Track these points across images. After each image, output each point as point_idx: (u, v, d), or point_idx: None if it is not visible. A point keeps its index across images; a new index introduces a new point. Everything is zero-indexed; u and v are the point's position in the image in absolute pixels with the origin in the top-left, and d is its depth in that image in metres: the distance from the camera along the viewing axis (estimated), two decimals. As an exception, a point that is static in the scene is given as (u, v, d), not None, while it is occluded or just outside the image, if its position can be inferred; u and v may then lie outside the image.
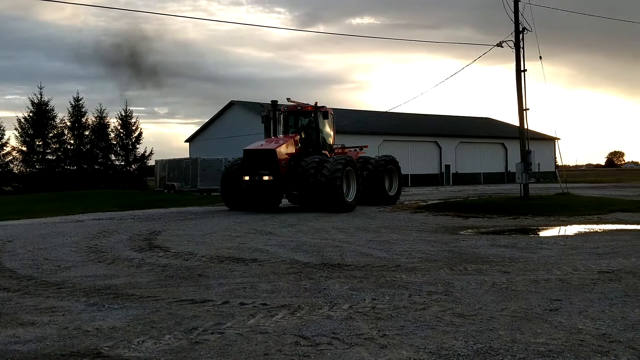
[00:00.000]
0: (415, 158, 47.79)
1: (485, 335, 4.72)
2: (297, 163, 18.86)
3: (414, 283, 6.97)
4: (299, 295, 6.35)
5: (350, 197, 19.15)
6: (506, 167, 53.90)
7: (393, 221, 15.47)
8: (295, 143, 19.66)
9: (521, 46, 20.90)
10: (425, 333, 4.82)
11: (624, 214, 16.22)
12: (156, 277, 7.74)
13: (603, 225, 13.89)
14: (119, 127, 48.23)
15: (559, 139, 48.18)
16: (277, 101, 21.30)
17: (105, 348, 4.58)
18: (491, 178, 52.75)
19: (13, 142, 45.95)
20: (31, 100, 44.76)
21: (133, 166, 48.37)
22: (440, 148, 49.99)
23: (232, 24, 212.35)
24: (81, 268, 8.55)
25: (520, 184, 20.89)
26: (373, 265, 8.34)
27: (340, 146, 21.97)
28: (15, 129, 44.15)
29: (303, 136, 20.13)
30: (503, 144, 54.76)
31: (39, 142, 44.48)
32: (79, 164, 45.82)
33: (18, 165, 44.47)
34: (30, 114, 44.26)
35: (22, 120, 44.01)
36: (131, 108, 61.56)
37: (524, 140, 20.98)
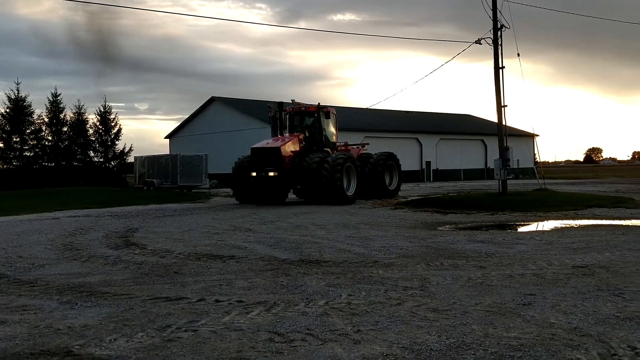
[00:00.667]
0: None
1: (458, 330, 4.75)
2: (301, 160, 20.35)
3: (391, 278, 6.99)
4: (276, 292, 6.33)
5: (351, 191, 20.77)
6: (486, 163, 54.38)
7: (373, 217, 15.52)
8: (300, 141, 21.22)
9: (499, 43, 21.08)
10: (399, 328, 4.83)
11: (600, 210, 16.46)
12: (131, 274, 7.66)
13: (579, 220, 14.07)
14: (97, 124, 47.58)
15: (537, 135, 48.66)
16: (282, 103, 22.77)
17: (76, 346, 4.51)
18: (471, 174, 53.20)
19: (-11, 139, 45.11)
20: (8, 96, 43.92)
21: (112, 163, 47.77)
22: (421, 145, 50.25)
23: (213, 19, 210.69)
24: (55, 266, 8.43)
25: (498, 180, 21.09)
26: (351, 261, 8.35)
27: (343, 144, 23.27)
28: (-8, 125, 43.35)
29: (307, 135, 21.68)
30: (483, 141, 55.22)
31: (16, 138, 43.72)
32: (57, 160, 45.14)
33: (-5, 162, 43.69)
34: (7, 110, 43.47)
35: (-1, 116, 43.24)
36: (110, 104, 61.06)
37: (502, 136, 21.19)
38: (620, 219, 14.15)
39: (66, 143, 45.86)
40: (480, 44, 21.51)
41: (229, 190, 35.31)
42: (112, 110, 49.34)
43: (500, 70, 21.19)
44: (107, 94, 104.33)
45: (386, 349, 4.30)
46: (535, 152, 40.96)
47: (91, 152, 47.18)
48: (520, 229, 13.12)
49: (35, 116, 44.71)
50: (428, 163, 50.72)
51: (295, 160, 20.47)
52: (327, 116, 21.92)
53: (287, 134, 21.99)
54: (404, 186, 26.50)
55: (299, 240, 10.72)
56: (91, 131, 47.33)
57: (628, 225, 12.77)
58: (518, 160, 52.03)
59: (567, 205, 17.28)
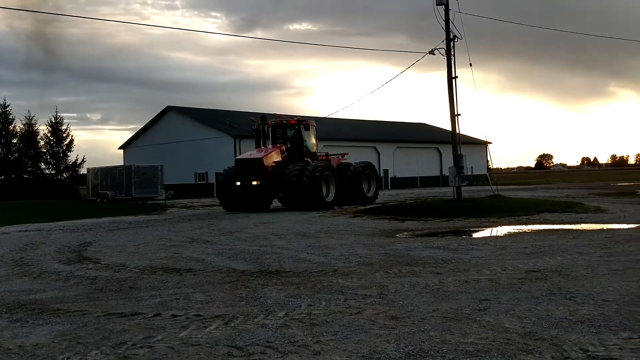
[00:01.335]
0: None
1: (416, 337, 4.80)
2: (283, 169, 21.99)
3: (350, 287, 7.02)
4: (234, 305, 6.26)
5: (330, 198, 22.56)
6: (441, 170, 55.41)
7: (332, 226, 15.57)
8: (282, 152, 22.99)
9: (452, 54, 21.57)
10: (359, 337, 4.85)
11: (551, 215, 16.97)
12: (85, 290, 7.44)
13: (531, 225, 14.48)
14: (48, 135, 46.28)
15: (490, 143, 50.09)
16: (265, 116, 24.68)
17: (26, 368, 4.34)
18: (427, 181, 54.10)
19: None
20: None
21: (64, 175, 46.48)
22: (378, 153, 50.84)
23: (167, 28, 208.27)
24: (5, 283, 8.12)
25: (453, 187, 21.50)
26: (311, 270, 8.34)
27: (324, 154, 25.16)
28: None
29: (289, 146, 23.45)
30: (438, 149, 56.29)
31: (-38, 151, 42.05)
32: (7, 173, 43.61)
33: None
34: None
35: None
36: (61, 114, 59.10)
37: (457, 144, 21.63)
38: (570, 223, 14.63)
39: (16, 155, 44.40)
40: (434, 54, 21.98)
41: (185, 201, 34.84)
42: (64, 120, 48.00)
43: (453, 79, 21.67)
44: (58, 104, 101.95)
45: (346, 359, 4.31)
46: (488, 159, 42.05)
47: (42, 164, 45.84)
48: (475, 235, 13.40)
49: (-18, 128, 43.13)
50: (386, 171, 51.33)
51: (277, 169, 22.07)
52: (307, 128, 23.78)
53: (270, 146, 23.52)
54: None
55: (259, 251, 10.65)
56: (42, 142, 46.05)
57: (578, 230, 13.20)
58: (472, 167, 53.25)
59: (520, 210, 17.75)
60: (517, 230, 13.49)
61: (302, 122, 23.90)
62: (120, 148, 53.38)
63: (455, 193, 21.35)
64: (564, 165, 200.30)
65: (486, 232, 13.78)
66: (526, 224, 14.90)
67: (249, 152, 23.71)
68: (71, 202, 34.98)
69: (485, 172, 52.23)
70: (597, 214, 17.02)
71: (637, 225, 13.86)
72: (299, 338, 4.87)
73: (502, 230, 13.74)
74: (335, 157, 25.24)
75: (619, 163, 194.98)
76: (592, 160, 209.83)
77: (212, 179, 44.13)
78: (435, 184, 54.31)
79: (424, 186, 52.30)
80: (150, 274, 8.48)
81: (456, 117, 21.75)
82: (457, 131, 21.93)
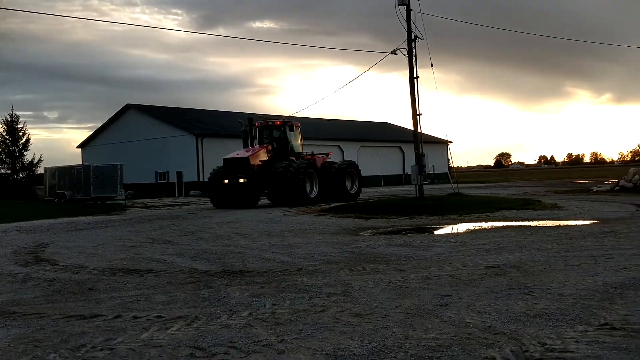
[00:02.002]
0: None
1: (380, 334, 4.84)
2: (269, 167, 23.58)
3: (315, 285, 7.03)
4: (197, 306, 6.19)
5: (313, 194, 24.20)
6: (404, 169, 56.03)
7: (297, 225, 15.56)
8: (268, 151, 24.54)
9: (414, 54, 21.79)
10: (323, 335, 4.86)
11: (510, 212, 17.36)
12: (42, 292, 7.24)
13: (490, 222, 14.78)
14: (4, 133, 44.71)
15: (451, 142, 50.87)
16: (252, 118, 26.26)
17: (-20, 374, 4.20)
18: (390, 180, 54.60)
19: None
20: None
21: (20, 174, 44.99)
22: (343, 152, 51.01)
23: (127, 25, 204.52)
24: (-45, 287, 7.82)
25: (415, 185, 21.77)
26: (275, 270, 8.31)
27: (309, 153, 26.52)
28: None
29: (275, 146, 25.00)
30: (400, 148, 56.89)
31: None
32: (-41, 173, 42.00)
33: None
34: None
35: None
36: (17, 112, 57.46)
37: (418, 143, 21.89)
38: (528, 220, 15.00)
39: (-32, 154, 42.79)
40: (396, 54, 22.17)
41: (146, 201, 34.25)
42: (20, 119, 46.30)
43: (415, 79, 21.91)
44: (14, 102, 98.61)
45: (310, 357, 4.31)
46: (449, 158, 42.72)
47: (-3, 163, 44.24)
48: (437, 232, 13.60)
49: None
50: (349, 169, 51.51)
51: (263, 168, 23.67)
52: (292, 129, 25.53)
53: (257, 146, 25.14)
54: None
55: (222, 251, 10.56)
56: (-4, 141, 44.41)
57: (535, 226, 13.55)
58: (433, 166, 54.03)
59: (479, 208, 18.10)
60: (477, 227, 13.75)
61: (287, 124, 25.52)
62: (78, 147, 52.12)
63: (417, 191, 21.62)
64: (522, 164, 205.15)
65: (447, 229, 14.00)
66: (486, 221, 15.20)
67: (237, 151, 24.86)
68: (28, 202, 33.95)
69: (446, 170, 53.07)
70: (554, 211, 17.50)
71: (592, 221, 14.31)
72: (263, 337, 4.85)
73: (462, 227, 13.99)
74: (319, 156, 26.51)
75: (574, 161, 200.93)
76: (549, 158, 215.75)
77: (173, 178, 43.52)
78: (398, 182, 54.88)
79: (388, 184, 52.78)
80: (110, 275, 8.31)
81: (418, 116, 22.01)
82: (419, 130, 22.19)
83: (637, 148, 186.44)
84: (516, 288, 6.52)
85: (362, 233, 13.28)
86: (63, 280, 8.06)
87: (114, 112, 48.78)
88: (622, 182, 29.12)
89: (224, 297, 6.56)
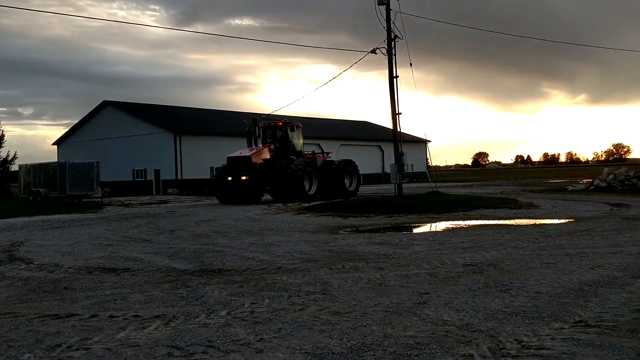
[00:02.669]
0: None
1: (359, 332, 4.85)
2: (270, 165, 24.91)
3: (294, 284, 7.02)
4: (175, 305, 6.13)
5: (312, 191, 25.41)
6: (383, 167, 56.28)
7: (276, 223, 15.52)
8: (270, 150, 25.93)
9: (393, 53, 21.88)
10: (302, 334, 4.86)
11: (487, 210, 17.55)
12: (16, 291, 7.11)
13: (468, 221, 14.92)
14: (-24, 130, 43.75)
15: (429, 141, 51.14)
16: (256, 119, 27.76)
17: (-49, 375, 4.11)
18: (370, 179, 54.77)
19: None
20: None
21: (-7, 172, 44.12)
22: (322, 150, 51.02)
23: (104, 20, 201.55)
24: None
25: (394, 184, 21.87)
26: (254, 268, 8.28)
27: (310, 152, 28.26)
28: None
29: (277, 145, 26.47)
30: (380, 146, 57.14)
31: None
32: None
33: None
34: None
35: None
36: (-10, 108, 56.25)
37: (398, 142, 22.00)
38: (505, 219, 15.17)
39: (-61, 151, 41.77)
40: (376, 53, 22.23)
41: (123, 199, 33.85)
42: (-7, 115, 45.44)
43: (395, 79, 22.01)
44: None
45: (289, 356, 4.30)
46: (428, 157, 42.98)
47: (-31, 160, 43.29)
48: (415, 231, 13.69)
49: None
50: (329, 168, 51.56)
51: (265, 166, 24.95)
52: (293, 129, 27.03)
53: (260, 145, 26.42)
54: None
55: (200, 250, 10.48)
56: (-32, 138, 43.43)
57: (512, 225, 13.71)
58: (412, 165, 54.35)
59: (457, 206, 18.26)
60: (455, 226, 13.87)
61: (288, 124, 27.05)
62: (54, 144, 51.34)
63: (396, 190, 21.72)
64: (499, 163, 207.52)
65: (426, 228, 14.10)
66: (463, 219, 15.34)
67: (240, 150, 26.22)
68: (2, 200, 33.29)
69: (425, 169, 53.41)
70: (530, 210, 17.74)
71: (567, 220, 14.53)
72: (242, 337, 4.83)
73: (440, 226, 14.10)
74: (320, 155, 28.12)
75: (550, 161, 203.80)
76: (525, 158, 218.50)
77: (150, 176, 43.08)
78: (378, 181, 55.10)
79: (367, 183, 52.91)
80: (86, 274, 8.19)
81: (397, 115, 22.11)
82: (398, 129, 22.30)
83: (611, 148, 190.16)
84: (493, 286, 6.59)
85: (341, 231, 13.30)
86: (38, 279, 7.93)
87: (90, 108, 48.21)
88: (596, 182, 29.64)
89: (202, 296, 6.52)
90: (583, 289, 6.33)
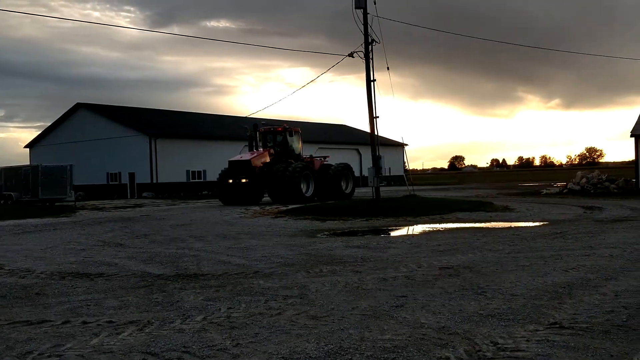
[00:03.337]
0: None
1: (336, 336, 4.83)
2: (270, 169, 26.24)
3: (271, 288, 6.97)
4: (150, 310, 6.04)
5: (309, 193, 26.48)
6: (361, 171, 56.41)
7: (254, 227, 15.43)
8: (270, 154, 27.29)
9: (371, 57, 21.96)
10: (280, 338, 4.82)
11: (463, 213, 17.71)
12: (-15, 298, 6.92)
13: (445, 224, 15.04)
14: (-56, 132, 42.80)
15: (406, 145, 51.55)
16: (257, 124, 28.77)
17: None
18: (347, 182, 54.78)
19: None
20: None
21: (-38, 175, 43.11)
22: (298, 153, 50.96)
23: (77, 21, 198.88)
24: None
25: (372, 187, 21.93)
26: (231, 273, 8.21)
27: (309, 156, 29.60)
28: None
29: (277, 149, 27.87)
30: (358, 150, 57.31)
31: None
32: None
33: None
34: None
35: None
36: (-41, 110, 55.06)
37: (375, 146, 22.06)
38: (480, 222, 15.33)
39: None
40: (353, 57, 22.26)
41: (97, 202, 33.35)
42: (-38, 117, 44.48)
43: (372, 82, 22.07)
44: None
45: (266, 361, 4.26)
46: (405, 160, 43.25)
47: (-64, 163, 42.27)
48: (393, 234, 13.74)
49: None
50: (306, 171, 51.53)
51: (264, 169, 26.22)
52: (292, 134, 28.30)
53: (261, 149, 27.76)
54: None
55: (176, 254, 10.36)
56: (-64, 140, 42.44)
57: (488, 228, 13.86)
58: (390, 168, 54.64)
59: (434, 210, 18.40)
60: (431, 229, 13.96)
61: (287, 129, 28.47)
62: (26, 147, 50.33)
63: (374, 193, 21.79)
64: (475, 167, 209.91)
65: (403, 231, 14.16)
66: (440, 222, 15.46)
67: (241, 154, 27.45)
68: (-30, 204, 32.52)
69: (402, 173, 53.81)
70: (505, 213, 17.96)
71: (542, 223, 14.74)
72: (218, 342, 4.77)
73: (417, 229, 14.18)
74: (317, 159, 29.36)
75: (525, 164, 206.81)
76: (500, 161, 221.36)
77: (125, 180, 42.54)
78: (355, 184, 55.18)
79: (344, 187, 53.02)
80: (58, 280, 8.03)
81: (375, 119, 22.18)
82: (376, 133, 22.38)
83: (585, 152, 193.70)
84: (469, 288, 6.64)
85: (319, 235, 13.29)
86: (9, 284, 7.74)
87: (64, 111, 47.36)
88: (570, 185, 30.16)
89: (178, 301, 6.43)
90: (557, 291, 6.41)
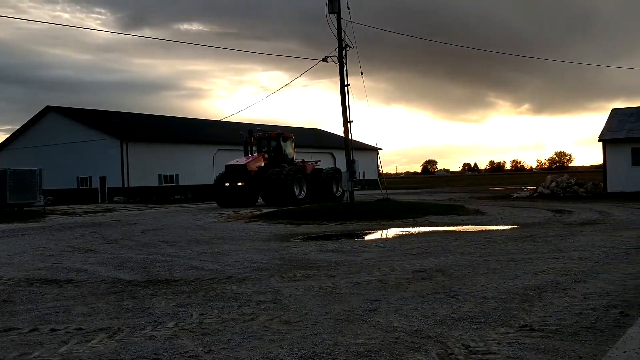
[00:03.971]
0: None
1: (309, 341, 4.82)
2: (264, 173, 27.29)
3: (244, 294, 6.92)
4: (120, 317, 5.94)
5: (301, 196, 27.50)
6: (335, 175, 56.43)
7: (227, 232, 15.32)
8: (264, 159, 28.62)
9: (344, 62, 22.05)
10: (252, 344, 4.79)
11: (436, 217, 17.87)
12: (-52, 307, 6.72)
13: (418, 227, 15.15)
14: None
15: (380, 149, 51.82)
16: (252, 130, 30.41)
17: None
18: (321, 186, 54.80)
19: None
20: None
21: None
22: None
23: (47, 23, 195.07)
24: None
25: (346, 191, 21.99)
26: (203, 278, 8.13)
27: (301, 160, 30.65)
28: None
29: (272, 154, 29.10)
30: (332, 154, 57.42)
31: None
32: None
33: None
34: None
35: None
36: None
37: (349, 150, 22.15)
38: (453, 225, 15.48)
39: None
40: (327, 61, 22.35)
41: (67, 207, 32.73)
42: None
43: (346, 87, 22.18)
44: None
45: (238, 367, 4.22)
46: (379, 164, 43.47)
47: None
48: (367, 238, 13.78)
49: None
50: (280, 176, 51.38)
51: (259, 173, 27.35)
52: (285, 140, 29.93)
53: (255, 154, 29.20)
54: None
55: (147, 260, 10.22)
56: None
57: (460, 231, 14.00)
58: (364, 172, 54.87)
59: (407, 213, 18.53)
60: (405, 232, 14.05)
61: (281, 135, 30.04)
62: (-7, 150, 49.15)
63: (348, 197, 21.83)
64: (447, 171, 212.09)
65: (377, 235, 14.22)
66: (413, 226, 15.57)
67: (237, 159, 28.80)
68: None
69: (376, 177, 54.04)
70: (477, 216, 18.18)
71: (512, 226, 14.95)
72: (190, 348, 4.72)
73: (391, 233, 14.25)
74: (310, 163, 30.35)
75: (496, 168, 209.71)
76: (472, 166, 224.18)
77: (96, 184, 41.85)
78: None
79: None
80: (26, 286, 7.84)
81: (349, 123, 22.27)
82: (350, 137, 22.46)
83: (554, 156, 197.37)
84: (442, 292, 6.69)
85: (293, 239, 13.26)
86: (-27, 292, 7.52)
87: (33, 114, 46.49)
88: (540, 189, 30.69)
89: (149, 307, 6.34)
90: (528, 293, 6.50)
